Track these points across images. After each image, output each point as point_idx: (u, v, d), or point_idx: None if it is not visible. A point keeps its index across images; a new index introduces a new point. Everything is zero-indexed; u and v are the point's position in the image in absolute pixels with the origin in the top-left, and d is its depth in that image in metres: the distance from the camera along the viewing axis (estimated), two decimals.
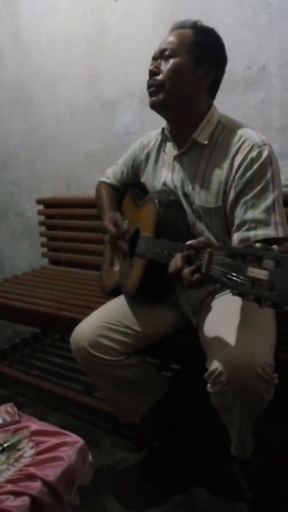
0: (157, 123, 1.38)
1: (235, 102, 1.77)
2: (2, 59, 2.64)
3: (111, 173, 1.62)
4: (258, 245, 0.79)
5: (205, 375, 1.10)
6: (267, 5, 1.66)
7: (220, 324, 1.16)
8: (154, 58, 1.25)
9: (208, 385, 1.10)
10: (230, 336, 1.09)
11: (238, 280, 0.80)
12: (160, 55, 1.23)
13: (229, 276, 0.83)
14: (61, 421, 1.76)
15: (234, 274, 0.82)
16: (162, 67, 1.21)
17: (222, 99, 1.28)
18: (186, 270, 0.98)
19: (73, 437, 1.15)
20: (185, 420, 1.65)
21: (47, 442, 1.14)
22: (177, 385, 1.57)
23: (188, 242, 1.00)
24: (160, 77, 1.21)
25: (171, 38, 1.22)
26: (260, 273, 0.76)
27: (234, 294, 0.82)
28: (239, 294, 0.80)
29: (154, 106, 1.25)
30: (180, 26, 1.24)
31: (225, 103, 1.26)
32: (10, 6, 2.51)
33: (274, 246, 0.77)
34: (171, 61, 1.20)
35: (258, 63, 1.72)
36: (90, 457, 1.17)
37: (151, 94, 1.24)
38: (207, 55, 1.20)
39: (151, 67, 1.24)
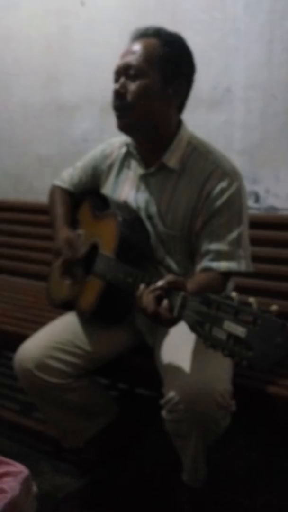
0: (117, 133, 1.32)
1: (198, 121, 1.74)
2: None
3: (68, 177, 1.50)
4: (234, 294, 0.76)
5: (162, 401, 1.06)
6: (235, 29, 1.68)
7: (178, 349, 1.12)
8: (118, 74, 1.17)
9: (164, 412, 1.06)
10: (188, 362, 1.06)
11: (212, 331, 0.76)
12: (125, 71, 1.15)
13: (202, 325, 0.79)
14: None
15: (208, 325, 0.78)
16: (128, 87, 1.14)
17: (186, 117, 1.25)
18: (165, 307, 0.92)
19: (17, 467, 1.06)
20: (133, 443, 1.59)
21: None
22: (127, 407, 1.51)
23: (159, 284, 0.95)
24: (128, 99, 1.14)
25: (135, 49, 1.14)
26: (238, 330, 0.72)
27: (207, 346, 0.78)
28: (212, 346, 0.77)
29: (122, 129, 1.19)
30: (143, 34, 1.16)
31: (189, 120, 1.24)
32: None
33: (252, 300, 0.73)
34: (138, 82, 1.12)
35: (223, 84, 1.73)
36: (34, 488, 1.08)
37: (119, 117, 1.18)
38: (176, 70, 1.14)
39: (117, 87, 1.15)
